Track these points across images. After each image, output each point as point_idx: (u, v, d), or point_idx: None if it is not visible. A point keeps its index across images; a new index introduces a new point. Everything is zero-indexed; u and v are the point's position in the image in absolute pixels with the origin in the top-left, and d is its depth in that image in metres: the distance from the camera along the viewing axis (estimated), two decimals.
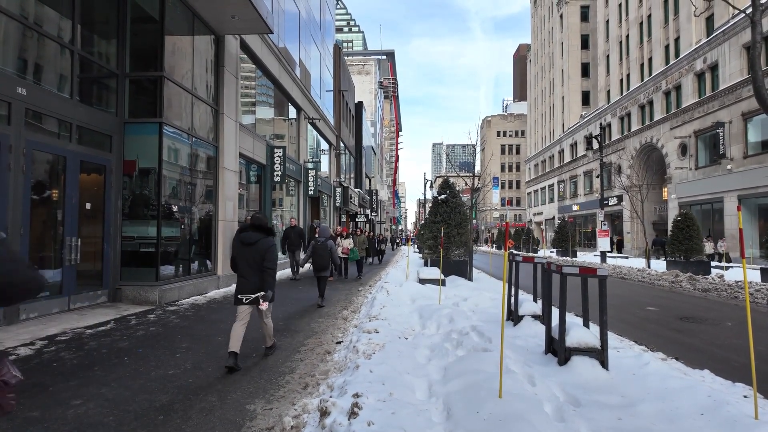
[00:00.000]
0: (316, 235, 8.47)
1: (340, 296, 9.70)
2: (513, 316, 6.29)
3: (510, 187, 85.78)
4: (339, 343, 5.59)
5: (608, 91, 39.77)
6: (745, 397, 3.61)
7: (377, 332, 5.59)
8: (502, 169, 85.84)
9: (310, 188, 18.39)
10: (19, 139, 6.00)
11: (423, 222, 23.78)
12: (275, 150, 14.15)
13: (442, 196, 13.68)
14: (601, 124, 37.65)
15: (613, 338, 5.70)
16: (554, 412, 3.28)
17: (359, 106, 37.46)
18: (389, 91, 76.82)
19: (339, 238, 13.25)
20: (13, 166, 5.90)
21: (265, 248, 4.63)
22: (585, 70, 48.15)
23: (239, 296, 4.61)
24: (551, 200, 52.09)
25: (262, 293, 4.61)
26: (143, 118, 8.33)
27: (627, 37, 36.40)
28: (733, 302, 10.09)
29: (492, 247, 53.12)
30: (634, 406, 3.40)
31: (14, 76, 6.09)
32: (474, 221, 23.93)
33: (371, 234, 24.66)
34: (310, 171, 18.55)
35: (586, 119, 41.94)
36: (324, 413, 3.19)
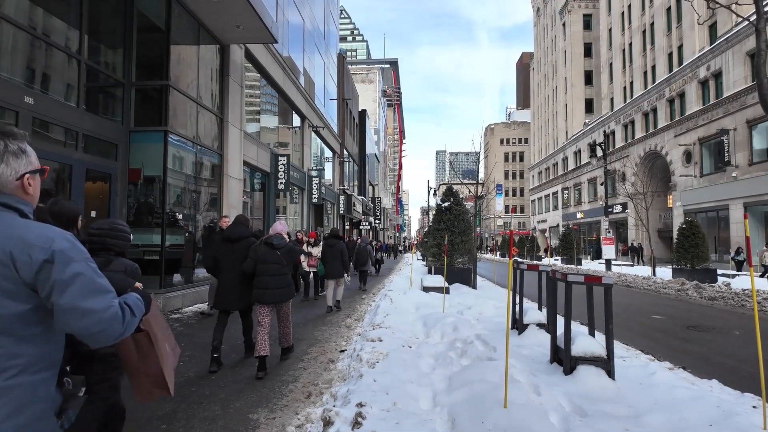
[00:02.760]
0: (359, 241, 13.56)
1: (342, 304, 9.66)
2: (518, 324, 6.24)
3: (514, 194, 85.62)
4: (342, 351, 5.56)
5: (612, 99, 39.81)
6: (754, 407, 3.55)
7: (381, 341, 5.56)
8: (506, 176, 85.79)
9: (313, 196, 18.44)
10: None
11: (426, 229, 23.73)
12: (279, 158, 14.22)
13: (446, 204, 13.67)
14: (604, 131, 37.64)
15: (619, 347, 5.63)
16: (560, 422, 3.24)
17: (363, 114, 37.63)
18: (393, 100, 77.21)
19: (306, 245, 10.01)
20: None
21: (341, 248, 8.68)
22: (588, 78, 48.27)
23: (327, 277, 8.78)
24: (555, 208, 51.97)
25: (345, 273, 8.80)
26: (148, 127, 8.39)
27: (630, 45, 36.50)
28: (741, 311, 9.98)
29: (496, 254, 52.89)
30: (642, 417, 3.35)
31: (22, 85, 6.16)
32: (478, 229, 23.87)
33: (372, 241, 24.54)
34: (313, 179, 18.61)
35: (589, 127, 41.95)
36: (327, 423, 3.16)
